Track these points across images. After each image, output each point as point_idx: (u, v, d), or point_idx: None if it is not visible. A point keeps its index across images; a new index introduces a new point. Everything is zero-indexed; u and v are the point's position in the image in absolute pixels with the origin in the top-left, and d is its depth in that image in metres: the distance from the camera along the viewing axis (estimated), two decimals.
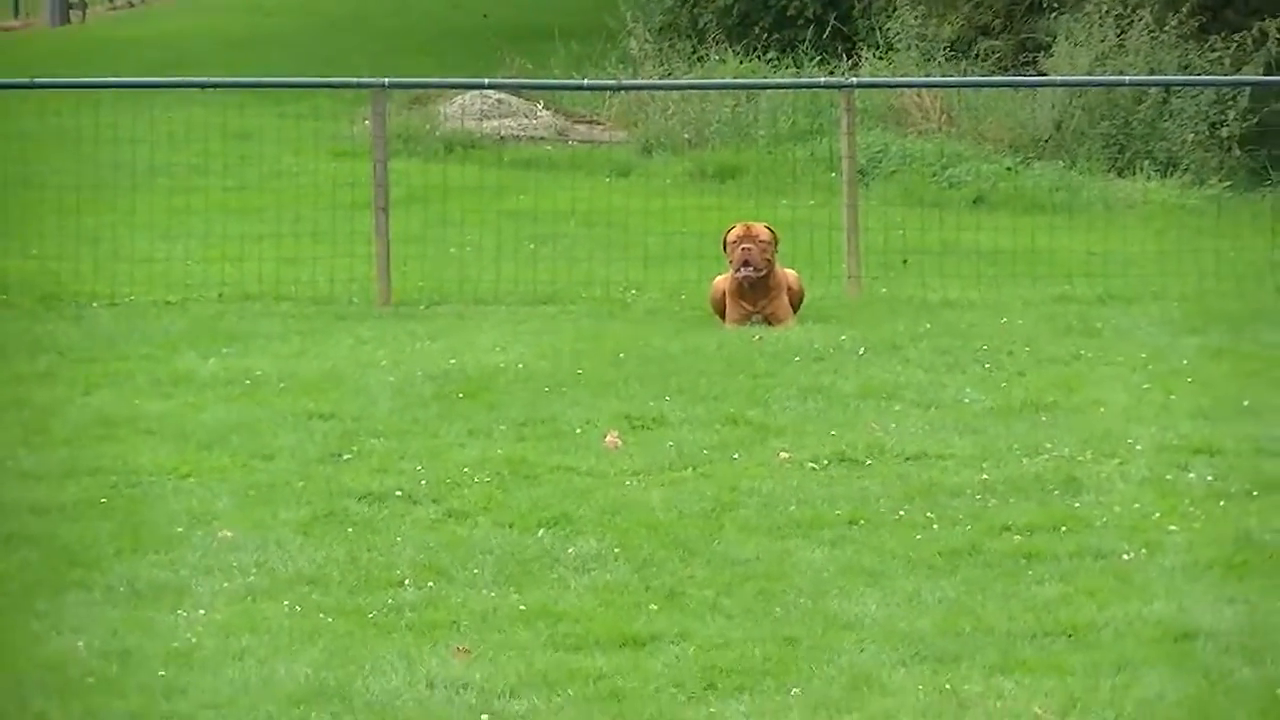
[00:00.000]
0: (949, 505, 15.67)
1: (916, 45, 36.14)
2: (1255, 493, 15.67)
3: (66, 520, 14.39)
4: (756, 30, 41.80)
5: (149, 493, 15.35)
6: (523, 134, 36.52)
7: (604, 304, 23.78)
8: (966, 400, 18.83)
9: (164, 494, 15.33)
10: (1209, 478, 16.39)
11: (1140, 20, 33.54)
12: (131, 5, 61.58)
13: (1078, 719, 10.82)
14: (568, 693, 11.27)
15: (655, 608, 12.74)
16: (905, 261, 25.22)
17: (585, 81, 34.71)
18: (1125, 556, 14.26)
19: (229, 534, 14.10)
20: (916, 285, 25.20)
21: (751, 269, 22.31)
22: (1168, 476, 16.37)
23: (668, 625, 12.53)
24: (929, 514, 15.32)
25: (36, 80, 31.15)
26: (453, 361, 19.97)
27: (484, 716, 10.95)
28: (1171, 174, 32.05)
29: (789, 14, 42.24)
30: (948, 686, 11.34)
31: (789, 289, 23.22)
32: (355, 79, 28.73)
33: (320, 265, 24.50)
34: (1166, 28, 33.04)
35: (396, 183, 26.01)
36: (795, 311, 22.66)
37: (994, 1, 36.69)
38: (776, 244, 22.68)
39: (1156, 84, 31.78)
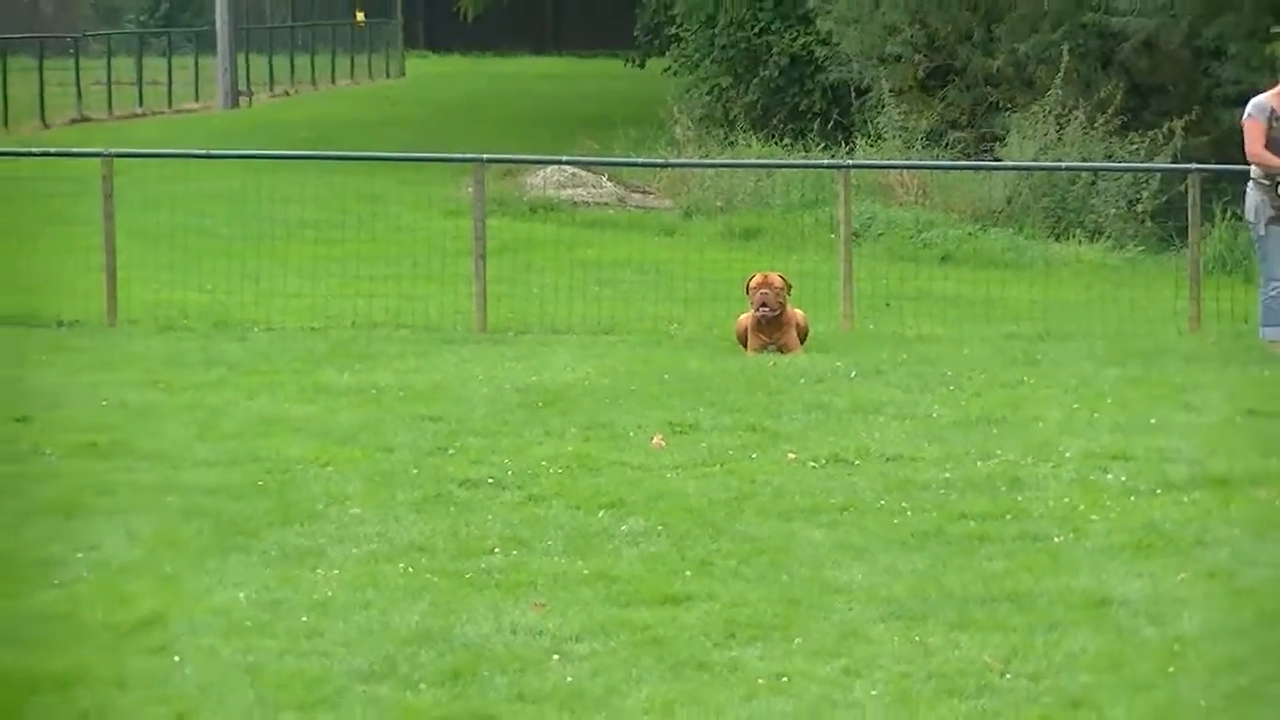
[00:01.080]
0: (920, 497, 15.79)
1: (900, 135, 35.96)
2: (1159, 491, 15.73)
3: (231, 498, 14.60)
4: (775, 121, 42.50)
5: (296, 477, 15.50)
6: (591, 200, 36.92)
7: (652, 334, 23.88)
8: (934, 414, 19.02)
9: (307, 478, 15.47)
10: (1123, 479, 16.47)
11: (1075, 119, 33.65)
12: (287, 94, 61.97)
13: (1018, 665, 10.98)
14: (620, 638, 11.45)
15: (689, 573, 12.91)
16: (888, 304, 25.63)
17: (640, 160, 36.41)
18: (1056, 539, 14.50)
19: (358, 511, 14.30)
20: (896, 323, 25.35)
21: (768, 309, 22.51)
22: (1091, 477, 16.55)
23: (699, 587, 12.75)
24: (904, 504, 15.48)
25: (211, 151, 32.29)
26: (534, 377, 20.08)
27: (555, 656, 11.09)
28: (1098, 239, 32.18)
29: (800, 109, 42.79)
30: (917, 639, 11.61)
31: (797, 325, 23.33)
32: (461, 155, 30.12)
33: (431, 300, 24.76)
34: (1096, 125, 33.10)
35: (492, 236, 26.07)
36: (802, 343, 22.86)
37: (960, 101, 36.82)
38: (788, 289, 22.82)
39: (1087, 169, 32.64)
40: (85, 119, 50.57)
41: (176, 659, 10.86)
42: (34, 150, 36.38)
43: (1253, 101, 22.96)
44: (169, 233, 28.88)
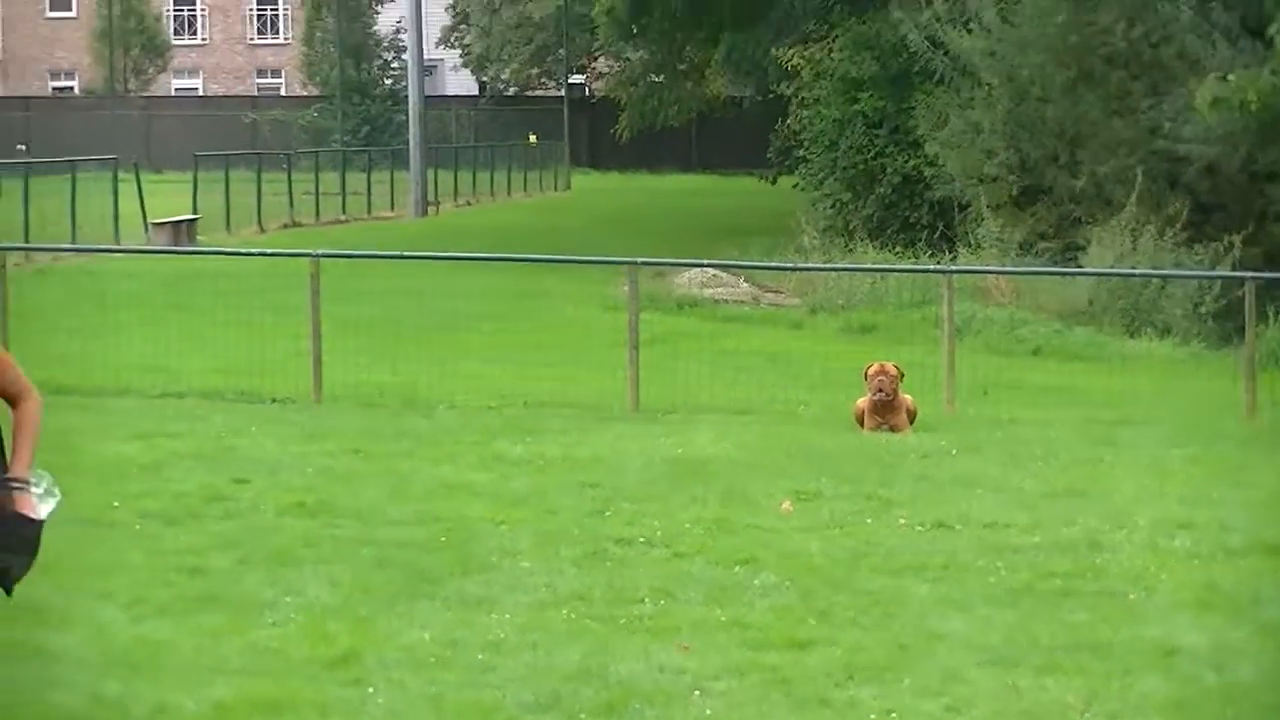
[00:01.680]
0: (1012, 558, 15.78)
1: (996, 245, 36.01)
2: (1219, 555, 15.72)
3: (419, 551, 14.62)
4: (889, 231, 42.93)
5: (474, 534, 15.53)
6: (730, 298, 37.58)
7: (782, 414, 23.83)
8: (1025, 487, 18.92)
9: (483, 535, 15.51)
10: (1188, 544, 16.46)
11: (1147, 232, 33.40)
12: (469, 204, 63.18)
13: (1097, 706, 11.04)
14: (752, 677, 11.47)
15: (813, 622, 12.89)
16: (985, 392, 25.50)
17: (772, 264, 38.13)
18: (1130, 596, 14.51)
19: (527, 564, 14.26)
20: (993, 408, 25.17)
21: (883, 393, 22.34)
22: (1160, 542, 16.47)
23: (821, 634, 12.79)
24: (998, 563, 15.50)
25: (404, 253, 33.36)
26: (679, 451, 20.08)
27: (696, 692, 11.08)
28: (1167, 336, 31.39)
29: (911, 221, 42.90)
30: (1009, 682, 11.62)
31: (908, 408, 23.23)
32: (617, 258, 30.52)
33: (591, 383, 25.09)
34: (1165, 238, 32.86)
35: (644, 329, 25.73)
36: (911, 424, 22.74)
37: (1048, 216, 36.39)
38: (901, 377, 22.63)
39: (1157, 275, 32.43)
40: (296, 224, 51.76)
41: (370, 690, 11.01)
42: (252, 250, 37.73)
43: None
44: (367, 323, 29.78)
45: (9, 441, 7.52)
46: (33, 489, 7.40)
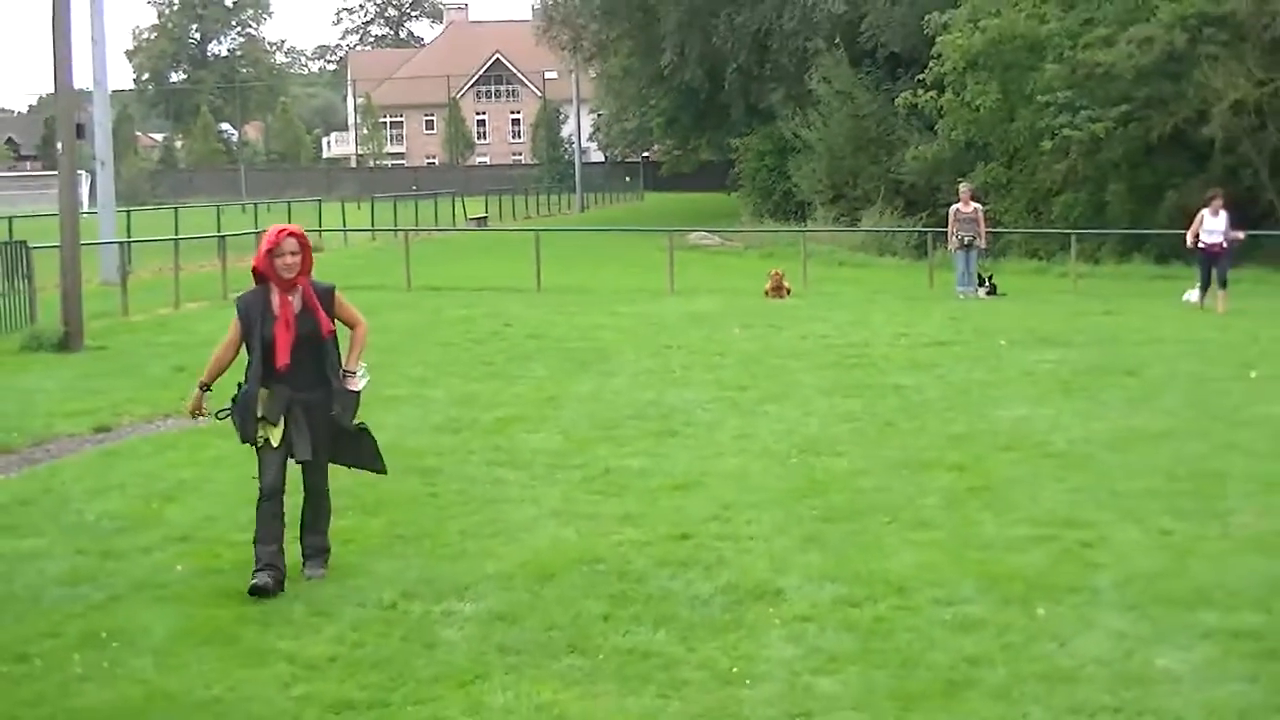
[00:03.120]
0: (831, 349, 19.52)
1: (824, 219, 46.40)
2: (920, 345, 19.75)
3: (578, 353, 18.38)
4: (778, 215, 53.48)
5: (605, 344, 19.64)
6: (710, 244, 44.71)
7: (734, 292, 28.20)
8: (835, 319, 23.30)
9: (608, 345, 19.44)
10: (905, 341, 20.35)
11: (887, 213, 45.06)
12: (599, 208, 79.89)
13: (868, 416, 14.12)
14: (722, 403, 14.98)
15: (747, 380, 16.64)
16: (805, 285, 30.38)
17: (729, 229, 47.70)
18: (878, 364, 18.04)
19: (631, 356, 17.90)
20: (822, 288, 30.25)
21: (776, 282, 29.26)
22: (892, 341, 20.57)
23: (750, 383, 16.42)
24: (826, 351, 19.24)
25: (579, 228, 37.92)
26: (691, 309, 23.24)
27: (699, 410, 14.41)
28: (896, 257, 41.17)
29: (787, 210, 52.44)
30: (830, 403, 15.15)
31: (786, 288, 28.99)
32: (662, 228, 31.76)
33: (652, 280, 29.23)
34: (893, 215, 44.64)
35: (675, 258, 31.60)
36: (788, 295, 28.54)
37: (845, 207, 47.47)
38: (783, 275, 29.46)
39: (890, 231, 33.81)
40: (527, 216, 66.18)
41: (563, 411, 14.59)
42: (510, 228, 42.51)
43: None
44: (561, 255, 31.58)
45: (345, 349, 8.75)
46: (357, 374, 8.70)
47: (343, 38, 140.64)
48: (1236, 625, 7.57)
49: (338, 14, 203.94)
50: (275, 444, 8.45)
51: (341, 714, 6.56)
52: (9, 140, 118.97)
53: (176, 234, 34.99)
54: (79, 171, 23.98)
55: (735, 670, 7.01)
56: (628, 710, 6.54)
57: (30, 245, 23.00)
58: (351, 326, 8.81)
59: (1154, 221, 37.56)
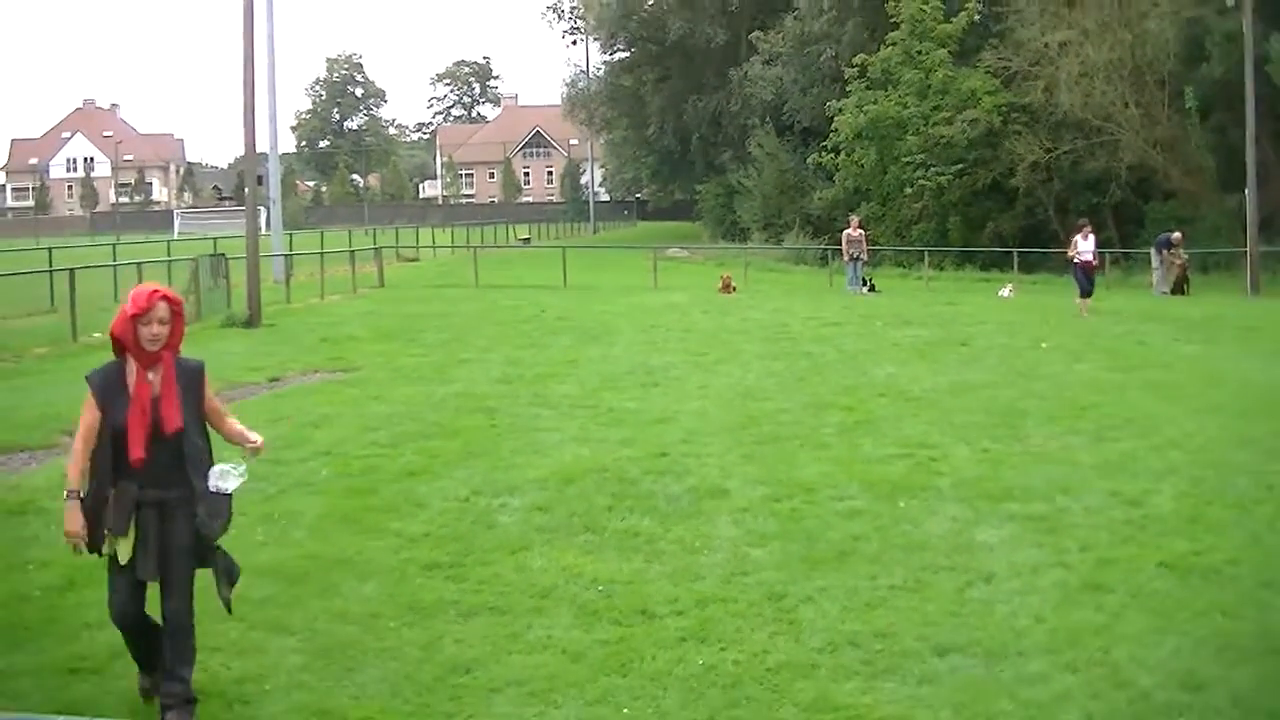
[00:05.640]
0: (764, 328, 18.54)
1: (760, 241, 43.81)
2: (821, 325, 18.77)
3: (583, 326, 17.82)
4: (728, 237, 51.56)
5: (605, 322, 18.63)
6: (681, 257, 43.07)
7: (697, 290, 26.45)
8: (764, 307, 22.27)
9: (607, 323, 18.52)
10: (813, 321, 19.50)
11: (801, 234, 43.24)
12: (607, 230, 77.40)
13: (792, 386, 12.96)
14: (688, 357, 14.85)
15: (707, 349, 15.85)
16: (740, 287, 28.85)
17: (694, 245, 45.62)
18: (792, 335, 17.41)
19: (626, 329, 17.12)
20: (756, 289, 28.57)
21: (726, 283, 27.43)
22: (806, 321, 19.61)
23: (713, 354, 15.52)
24: (758, 330, 18.26)
25: (593, 244, 36.58)
26: (667, 301, 22.62)
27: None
28: (806, 266, 39.44)
29: (734, 234, 50.17)
30: (769, 363, 14.43)
31: (734, 287, 27.18)
32: (649, 245, 31.20)
33: (639, 279, 27.58)
34: (805, 236, 42.76)
35: (658, 265, 30.12)
36: (734, 292, 26.18)
37: (771, 231, 45.31)
38: (731, 278, 27.85)
39: (802, 248, 32.79)
40: (556, 237, 63.76)
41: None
42: (541, 245, 42.54)
43: None
44: (582, 261, 31.09)
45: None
46: (232, 470, 4.59)
47: (433, 117, 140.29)
48: (1030, 512, 7.56)
49: (430, 101, 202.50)
50: (123, 560, 4.61)
51: (431, 571, 6.50)
52: (215, 186, 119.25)
53: (322, 249, 35.21)
54: (259, 207, 24.05)
55: (697, 544, 6.95)
56: (624, 570, 6.48)
57: (227, 256, 23.28)
58: (216, 426, 4.81)
59: (979, 242, 38.12)
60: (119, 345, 4.69)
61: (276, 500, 7.91)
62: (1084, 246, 21.42)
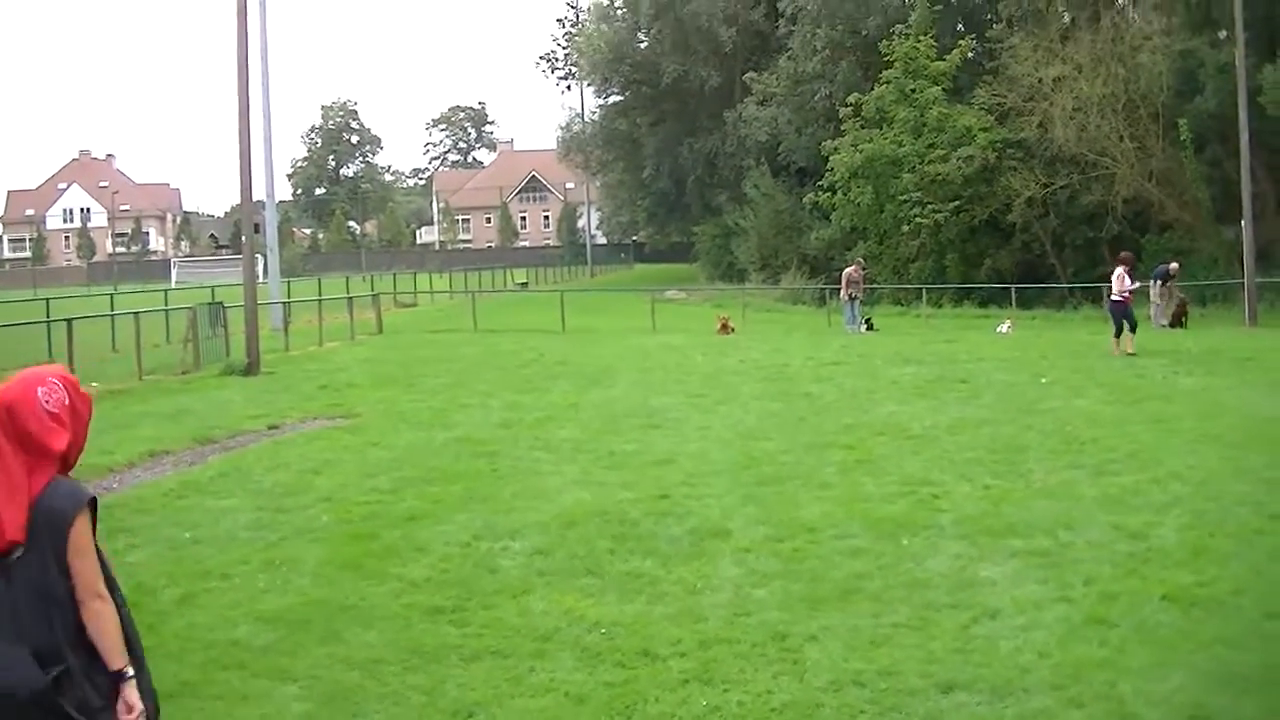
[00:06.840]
0: (760, 367, 18.68)
1: (757, 282, 45.84)
2: (817, 365, 18.68)
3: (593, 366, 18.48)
4: (727, 278, 51.48)
5: (610, 365, 18.77)
6: (679, 299, 43.63)
7: (696, 331, 26.41)
8: (765, 348, 22.08)
9: (612, 364, 18.69)
10: (812, 360, 19.50)
11: (798, 274, 44.54)
12: (604, 274, 76.08)
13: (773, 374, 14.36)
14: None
15: (709, 392, 15.88)
16: (737, 326, 29.08)
17: (691, 287, 46.22)
18: (790, 372, 17.51)
19: (627, 373, 17.54)
20: (755, 329, 28.91)
21: (724, 323, 27.60)
22: (804, 359, 19.68)
23: (707, 390, 15.89)
24: (755, 368, 18.49)
25: (587, 289, 36.89)
26: (666, 343, 22.33)
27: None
28: (805, 305, 39.74)
29: (732, 275, 50.69)
30: (768, 390, 15.25)
31: (732, 328, 27.37)
32: (647, 288, 31.26)
33: (638, 321, 28.32)
34: (802, 276, 43.81)
35: (656, 306, 30.44)
36: (733, 332, 26.54)
37: (769, 271, 46.50)
38: (729, 319, 28.27)
39: (800, 288, 37.33)
40: (556, 280, 64.55)
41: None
42: (540, 290, 42.48)
43: None
44: (582, 304, 31.64)
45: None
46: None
47: (429, 162, 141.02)
48: (1033, 547, 7.55)
49: (425, 146, 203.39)
50: None
51: (433, 615, 6.52)
52: (212, 235, 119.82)
53: (320, 296, 35.20)
54: (256, 255, 24.20)
55: (699, 585, 6.95)
56: (626, 612, 6.48)
57: (225, 305, 23.31)
58: (81, 598, 3.11)
59: (977, 279, 38.16)
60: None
61: (278, 547, 7.94)
62: (1127, 284, 20.07)
